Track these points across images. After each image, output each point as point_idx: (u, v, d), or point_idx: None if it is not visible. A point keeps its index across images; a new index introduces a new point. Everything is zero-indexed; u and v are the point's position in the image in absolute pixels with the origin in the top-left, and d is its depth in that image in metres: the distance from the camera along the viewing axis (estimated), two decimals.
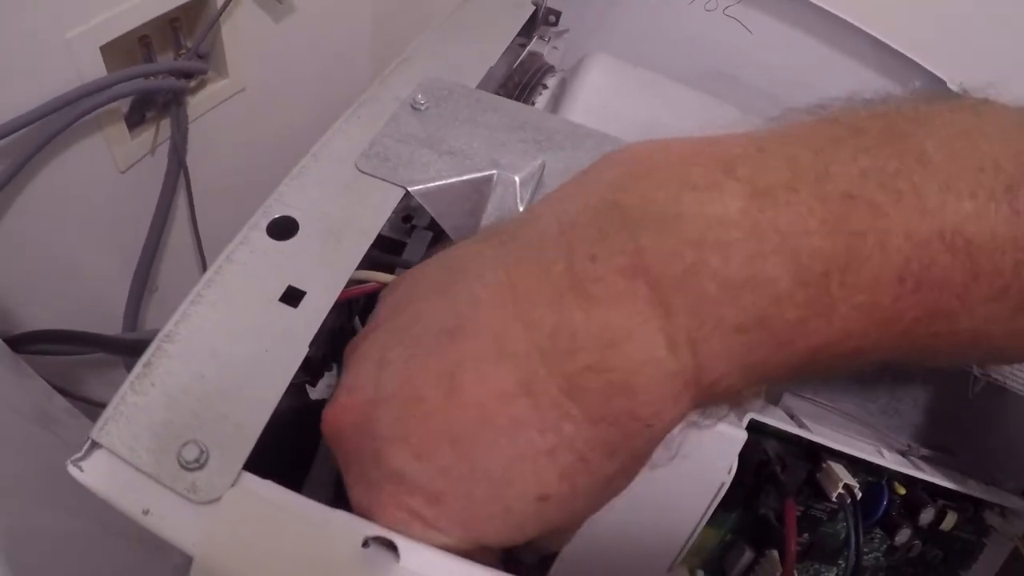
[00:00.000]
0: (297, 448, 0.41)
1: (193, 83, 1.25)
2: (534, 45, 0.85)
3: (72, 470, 0.30)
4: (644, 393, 0.28)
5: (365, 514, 0.30)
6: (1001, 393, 0.53)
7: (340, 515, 0.30)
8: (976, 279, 0.28)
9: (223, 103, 1.37)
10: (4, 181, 0.93)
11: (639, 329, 0.27)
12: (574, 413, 0.28)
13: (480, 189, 0.45)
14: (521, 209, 0.45)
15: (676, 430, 0.31)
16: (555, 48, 0.96)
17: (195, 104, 1.28)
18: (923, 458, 0.54)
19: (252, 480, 0.30)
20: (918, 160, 0.28)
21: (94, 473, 0.30)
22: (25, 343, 0.96)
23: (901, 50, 0.94)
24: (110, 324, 1.18)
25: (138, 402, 0.32)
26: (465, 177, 0.45)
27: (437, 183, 0.44)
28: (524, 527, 0.30)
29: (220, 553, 0.28)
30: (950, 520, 0.53)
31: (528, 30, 0.84)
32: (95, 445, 0.31)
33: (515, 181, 0.45)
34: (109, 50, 1.04)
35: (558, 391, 0.28)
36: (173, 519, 0.29)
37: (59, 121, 0.98)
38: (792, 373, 0.30)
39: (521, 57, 0.79)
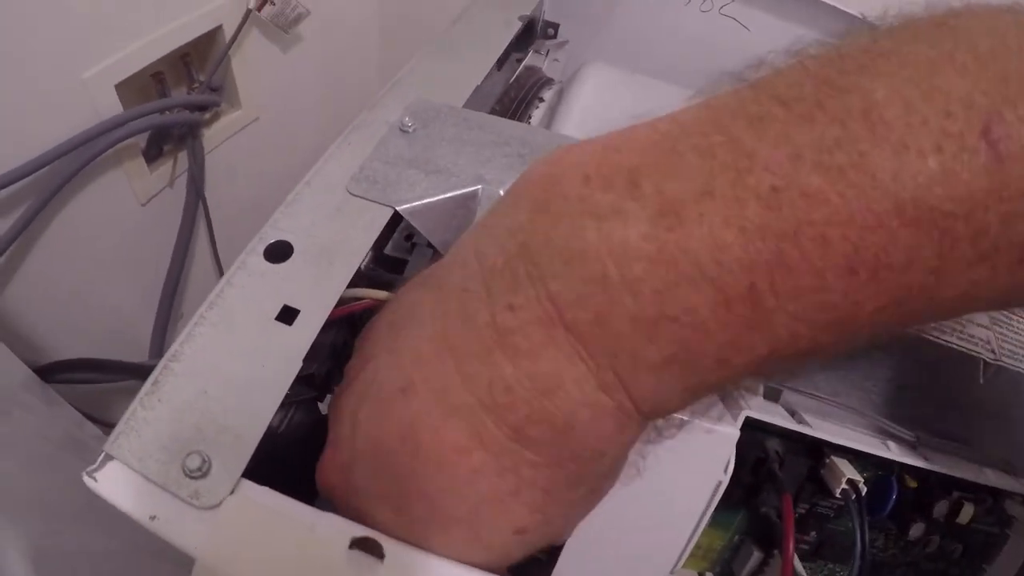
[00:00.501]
0: (311, 459, 0.43)
1: (207, 115, 1.27)
2: (531, 59, 0.86)
3: (87, 481, 0.33)
4: (587, 433, 0.28)
5: None
6: (1015, 377, 0.50)
7: (329, 517, 0.32)
8: (954, 247, 0.24)
9: (238, 133, 1.38)
10: (29, 218, 0.94)
11: (567, 375, 0.27)
12: (528, 457, 0.29)
13: (467, 204, 0.47)
14: None
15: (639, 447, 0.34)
16: (556, 60, 0.96)
17: (210, 136, 1.29)
18: (934, 449, 0.52)
19: (250, 487, 0.32)
20: (864, 120, 0.24)
21: (107, 483, 0.32)
22: (55, 372, 0.97)
23: None
24: (138, 351, 1.21)
25: (147, 417, 0.34)
26: (451, 194, 0.46)
27: (424, 201, 0.46)
28: (510, 555, 0.32)
29: (219, 555, 0.31)
30: (967, 512, 0.52)
31: (525, 44, 0.86)
32: (108, 457, 0.33)
33: (500, 195, 0.44)
34: (124, 87, 1.06)
35: (507, 439, 0.28)
36: (178, 524, 0.31)
37: (79, 158, 1.00)
38: (751, 377, 0.30)
39: (517, 72, 0.80)
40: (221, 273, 1.36)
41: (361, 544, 0.31)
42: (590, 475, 0.31)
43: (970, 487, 0.52)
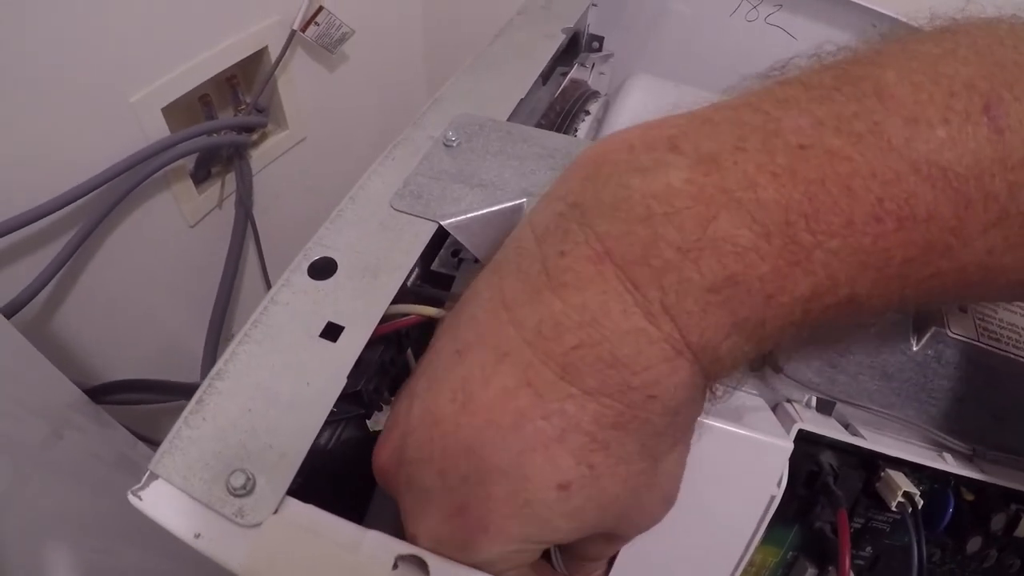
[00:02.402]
0: (361, 476, 0.42)
1: (254, 136, 1.28)
2: (576, 72, 0.86)
3: (132, 499, 0.33)
4: (633, 362, 0.28)
5: (413, 543, 0.32)
6: None
7: (373, 535, 0.32)
8: (968, 208, 0.27)
9: (285, 153, 1.38)
10: (79, 241, 0.96)
11: (614, 304, 0.28)
12: (573, 392, 0.28)
13: (512, 218, 0.46)
14: None
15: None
16: (602, 73, 0.96)
17: (258, 156, 1.30)
18: (991, 461, 0.51)
19: (294, 504, 0.32)
20: (877, 98, 0.27)
21: (152, 502, 0.32)
22: (107, 393, 0.98)
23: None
24: (188, 371, 1.21)
25: (191, 435, 0.34)
26: (496, 207, 0.46)
27: (469, 215, 0.46)
28: (551, 521, 0.30)
29: (263, 573, 0.30)
30: None
31: (570, 58, 0.85)
32: (153, 476, 0.33)
33: None
34: (171, 110, 1.07)
35: (554, 376, 0.28)
36: (222, 542, 0.31)
37: (127, 182, 1.01)
38: (799, 330, 0.30)
39: (563, 85, 0.80)
40: None
41: (406, 562, 0.31)
42: (637, 424, 0.29)
43: None
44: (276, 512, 0.32)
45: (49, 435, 0.74)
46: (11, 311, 0.87)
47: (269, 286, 1.36)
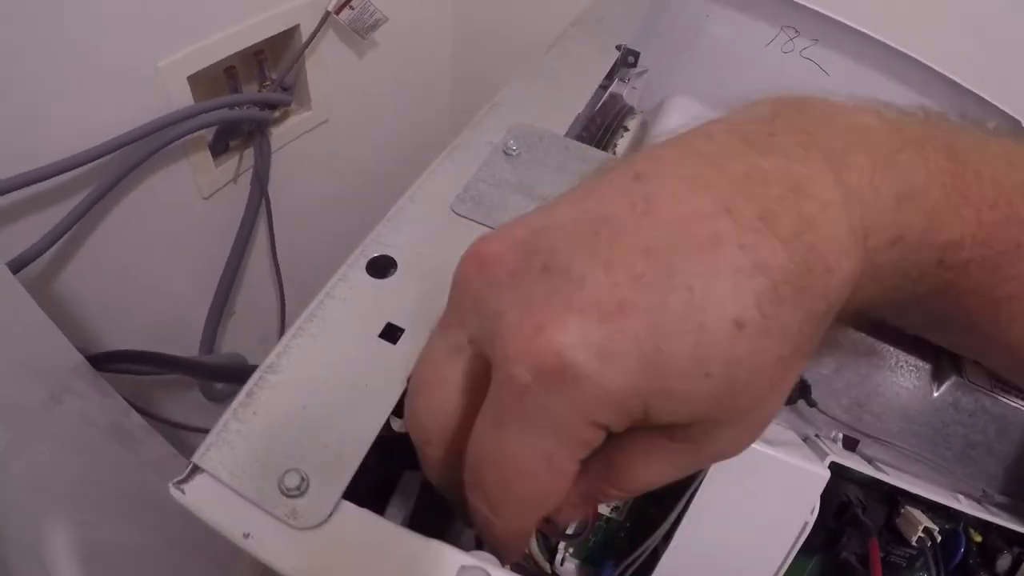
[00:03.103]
0: (381, 476, 0.42)
1: (277, 114, 1.27)
2: (615, 87, 0.86)
3: (174, 492, 0.31)
4: (827, 232, 0.28)
5: (521, 337, 0.27)
6: None
7: (436, 546, 0.31)
8: None
9: (305, 134, 1.38)
10: (92, 202, 0.96)
11: (818, 178, 0.28)
12: (769, 236, 0.27)
13: None
14: None
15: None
16: (634, 88, 0.96)
17: (278, 135, 1.30)
18: (999, 505, 0.53)
19: (351, 509, 0.31)
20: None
21: (196, 496, 0.31)
22: (107, 362, 0.97)
23: (976, 91, 0.94)
24: (187, 345, 1.21)
25: (241, 429, 0.33)
26: None
27: None
28: (709, 363, 0.26)
29: None
30: None
31: (610, 72, 0.85)
32: (197, 469, 0.32)
33: None
34: (196, 80, 1.07)
35: (754, 215, 0.27)
36: (273, 544, 0.30)
37: (147, 147, 1.01)
38: (920, 287, 0.32)
39: (603, 99, 0.80)
40: (278, 272, 1.39)
41: (470, 573, 0.30)
42: (809, 299, 0.28)
43: None
44: (331, 516, 0.31)
45: (48, 399, 0.73)
46: (17, 267, 0.87)
47: (276, 265, 1.36)
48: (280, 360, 0.36)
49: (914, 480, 0.50)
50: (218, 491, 0.31)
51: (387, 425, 0.43)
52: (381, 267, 0.41)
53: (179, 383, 1.18)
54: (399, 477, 0.43)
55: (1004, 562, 0.51)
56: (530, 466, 0.28)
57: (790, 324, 0.27)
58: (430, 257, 0.42)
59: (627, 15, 0.83)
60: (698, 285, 0.26)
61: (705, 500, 0.42)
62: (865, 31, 0.96)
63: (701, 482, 0.42)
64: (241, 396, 0.34)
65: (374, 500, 0.43)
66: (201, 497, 0.31)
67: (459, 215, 0.45)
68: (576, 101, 0.62)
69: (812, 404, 0.50)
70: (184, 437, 1.22)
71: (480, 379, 0.29)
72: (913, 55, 0.95)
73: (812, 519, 0.44)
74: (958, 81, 0.94)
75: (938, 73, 0.94)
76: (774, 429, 0.49)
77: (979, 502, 0.52)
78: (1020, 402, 0.51)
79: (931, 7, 1.15)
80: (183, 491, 0.32)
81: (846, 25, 0.97)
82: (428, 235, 0.44)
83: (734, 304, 0.26)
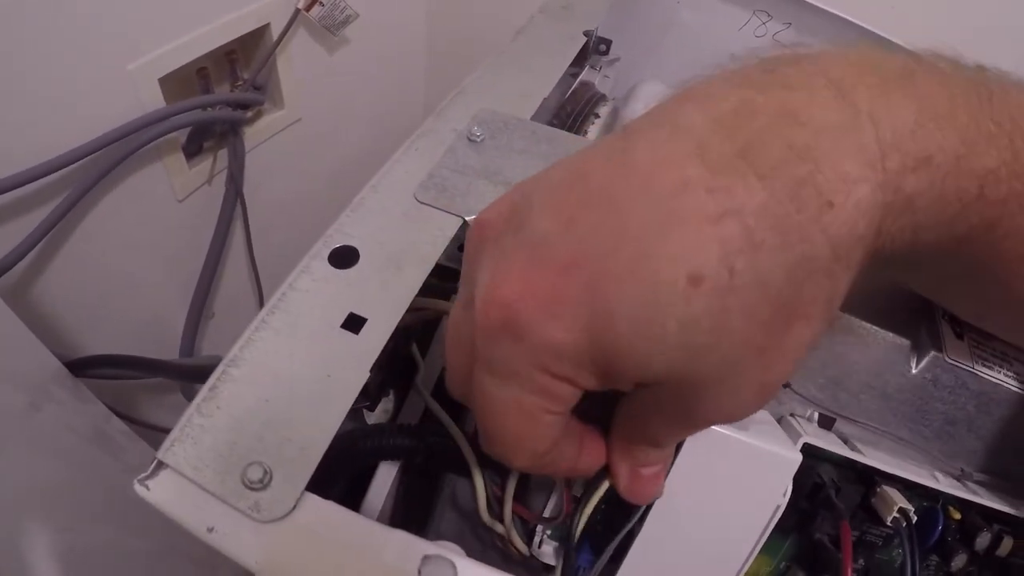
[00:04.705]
0: (356, 469, 0.42)
1: (250, 114, 1.28)
2: (586, 74, 0.86)
3: (139, 489, 0.31)
4: (825, 160, 0.26)
5: (485, 290, 0.28)
6: None
7: (398, 535, 0.31)
8: None
9: (279, 133, 1.38)
10: (66, 208, 0.96)
11: (817, 102, 0.27)
12: (747, 173, 0.25)
13: None
14: None
15: None
16: (606, 76, 0.97)
17: (252, 134, 1.30)
18: (978, 483, 0.53)
19: (315, 501, 0.31)
20: None
21: (160, 492, 0.31)
22: (85, 367, 0.96)
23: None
24: (167, 348, 1.21)
25: (204, 424, 0.33)
26: None
27: None
28: (660, 323, 0.25)
29: (281, 571, 0.30)
30: (1006, 545, 0.52)
31: (580, 60, 0.86)
32: (161, 465, 0.32)
33: None
34: (168, 81, 1.07)
35: (732, 152, 0.26)
36: (236, 537, 0.30)
37: (120, 150, 1.01)
38: (959, 227, 0.30)
39: (573, 87, 0.80)
40: (256, 273, 1.39)
41: (433, 562, 0.30)
42: (799, 244, 0.25)
43: (1011, 520, 0.52)
44: (295, 508, 0.31)
45: (27, 406, 0.74)
46: None
47: (254, 265, 1.37)
48: (242, 353, 0.36)
49: (890, 459, 0.50)
50: (182, 486, 0.31)
51: (362, 419, 0.44)
52: (344, 257, 0.41)
53: (160, 387, 1.19)
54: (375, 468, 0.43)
55: (983, 540, 0.51)
56: (505, 411, 0.29)
57: (772, 277, 0.25)
58: (392, 245, 0.42)
59: (594, 1, 0.84)
60: (653, 237, 0.25)
61: (677, 483, 0.42)
62: (836, 12, 0.97)
63: (672, 465, 0.42)
64: (204, 391, 0.34)
65: (351, 492, 0.43)
66: (166, 493, 0.31)
67: (422, 203, 0.46)
68: (542, 87, 0.62)
69: (786, 384, 0.50)
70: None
71: None
72: (887, 35, 0.94)
73: (784, 501, 0.44)
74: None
75: (909, 49, 0.94)
76: (758, 418, 0.48)
77: (958, 480, 0.52)
78: (1001, 377, 0.50)
79: None
80: (147, 487, 0.32)
81: (818, 8, 0.97)
82: (391, 224, 0.44)
83: (690, 257, 0.25)
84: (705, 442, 0.40)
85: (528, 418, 0.29)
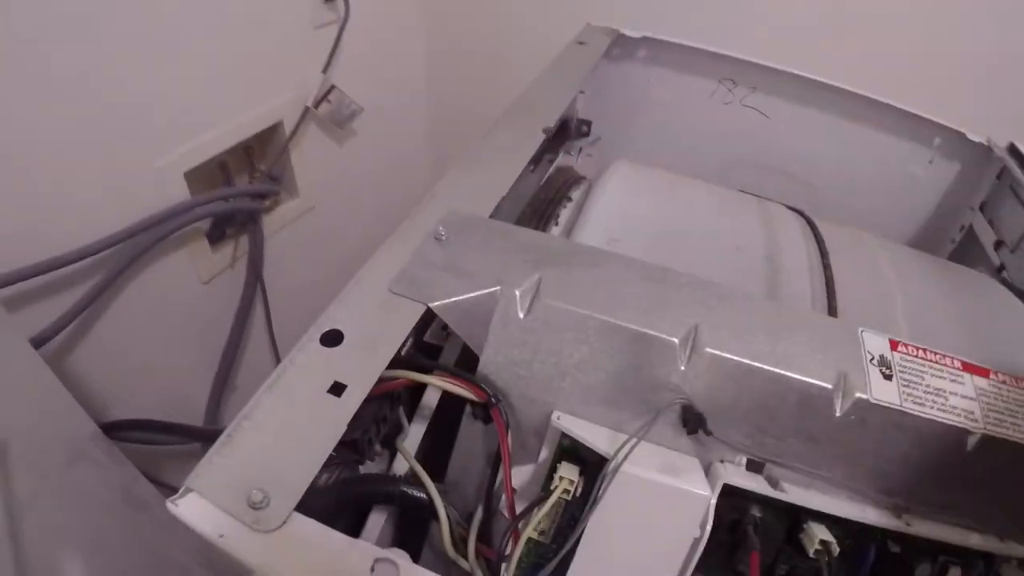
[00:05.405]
0: (355, 507, 0.53)
1: (267, 203, 1.37)
2: (562, 159, 0.95)
3: (170, 506, 0.42)
4: None
5: None
6: (1002, 445, 0.53)
7: (360, 544, 0.41)
8: None
9: (295, 220, 1.48)
10: (100, 289, 1.05)
11: None
12: None
13: (488, 302, 0.56)
14: (521, 316, 0.55)
15: None
16: (589, 155, 1.06)
17: (270, 222, 1.40)
18: (920, 516, 0.54)
19: (300, 518, 0.42)
20: None
21: (186, 508, 0.42)
22: (116, 430, 1.06)
23: (915, 111, 1.02)
24: (192, 419, 1.29)
25: (221, 461, 0.44)
26: (475, 294, 0.56)
27: (452, 299, 0.55)
28: None
29: (272, 569, 0.40)
30: (954, 574, 0.54)
31: (559, 144, 0.95)
32: (188, 489, 0.42)
33: (515, 294, 0.55)
34: (192, 175, 1.18)
35: None
36: (240, 542, 0.40)
37: (150, 238, 1.11)
38: None
39: (548, 173, 0.89)
40: (275, 349, 1.49)
41: (382, 564, 0.40)
42: None
43: (957, 551, 0.54)
44: (284, 523, 0.41)
45: (65, 461, 0.82)
46: (37, 343, 0.96)
47: (274, 343, 1.48)
48: (252, 411, 0.46)
49: (818, 497, 0.54)
50: (203, 505, 0.42)
51: (356, 468, 0.54)
52: (331, 339, 0.52)
53: (183, 453, 1.26)
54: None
55: (923, 571, 0.54)
56: None
57: None
58: (370, 329, 0.53)
59: (555, 100, 0.91)
60: None
61: (604, 522, 0.49)
62: (800, 73, 1.05)
63: (595, 506, 0.49)
64: (223, 437, 0.45)
65: (351, 522, 0.54)
66: (191, 509, 0.42)
67: (396, 294, 0.56)
68: (501, 186, 0.71)
69: (709, 433, 0.53)
70: None
71: None
72: (849, 88, 1.03)
73: (700, 534, 0.50)
74: (897, 105, 1.02)
75: (876, 101, 1.03)
76: (676, 456, 0.54)
77: (897, 514, 0.54)
78: (935, 412, 0.53)
79: (855, 40, 1.24)
80: (177, 505, 0.42)
81: (781, 71, 1.05)
82: (370, 311, 0.54)
83: None
84: (628, 484, 0.48)
85: None
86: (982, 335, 0.71)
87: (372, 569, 0.40)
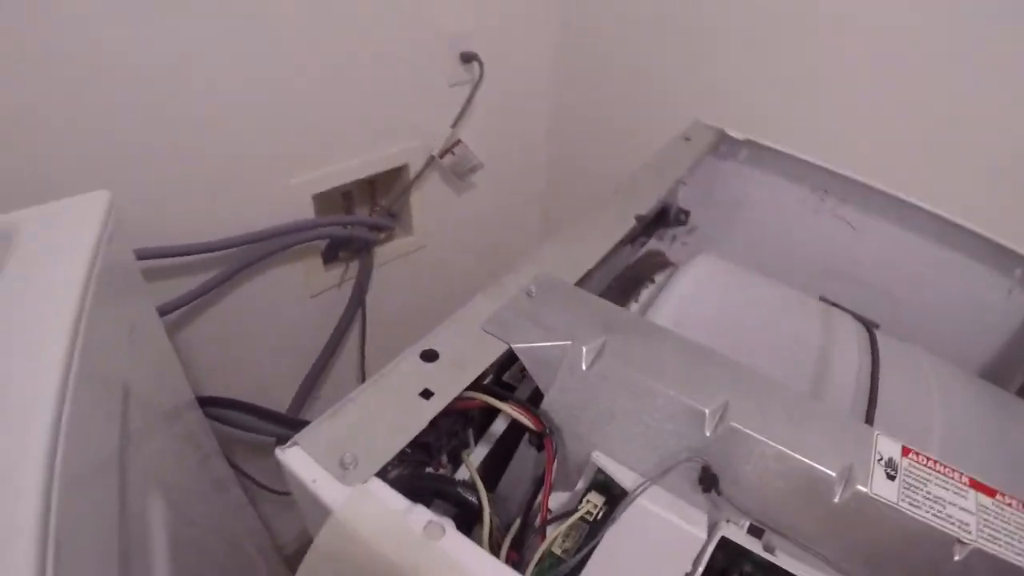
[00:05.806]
0: (422, 494, 0.59)
1: (382, 236, 1.47)
2: (653, 243, 1.02)
3: (278, 453, 0.52)
4: None
5: None
6: (992, 560, 0.53)
7: (418, 508, 0.51)
8: None
9: (405, 256, 1.57)
10: (220, 281, 1.17)
11: None
12: None
13: (559, 352, 0.65)
14: (584, 368, 0.63)
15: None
16: (684, 243, 1.13)
17: (381, 253, 1.50)
18: None
19: (377, 481, 0.52)
20: None
21: (291, 456, 0.53)
22: (210, 405, 1.15)
23: (998, 240, 1.01)
24: None
25: (325, 427, 0.55)
26: (549, 343, 0.65)
27: (530, 345, 0.65)
28: None
29: (348, 512, 0.49)
30: None
31: (655, 228, 1.04)
32: (294, 443, 0.53)
33: (583, 350, 0.64)
34: (319, 197, 1.29)
35: None
36: (328, 490, 0.51)
37: (272, 245, 1.22)
38: None
39: (639, 255, 0.97)
40: (363, 368, 1.58)
41: (433, 525, 0.49)
42: None
43: None
44: (365, 483, 0.51)
45: (165, 416, 0.91)
46: (161, 312, 1.07)
47: (363, 363, 1.58)
48: (358, 396, 0.57)
49: (807, 570, 0.56)
50: (303, 457, 0.52)
51: (421, 468, 0.63)
52: (429, 356, 0.62)
53: (258, 444, 1.35)
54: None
55: None
56: None
57: None
58: (462, 354, 0.63)
59: (653, 188, 0.98)
60: None
61: (610, 543, 0.56)
62: (886, 190, 1.07)
63: (611, 523, 0.56)
64: (331, 410, 0.56)
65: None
66: (293, 459, 0.52)
67: (487, 332, 0.66)
68: (591, 258, 0.81)
69: (720, 493, 0.59)
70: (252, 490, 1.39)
71: None
72: (931, 209, 1.05)
73: (692, 571, 0.55)
74: (980, 232, 1.02)
75: (959, 225, 1.03)
76: (687, 506, 0.60)
77: None
78: (930, 517, 0.54)
79: (954, 166, 1.23)
80: (283, 452, 0.52)
81: (871, 187, 1.08)
82: (463, 341, 0.65)
83: None
84: (639, 513, 0.56)
85: None
86: (1021, 468, 0.73)
87: (424, 528, 0.49)
